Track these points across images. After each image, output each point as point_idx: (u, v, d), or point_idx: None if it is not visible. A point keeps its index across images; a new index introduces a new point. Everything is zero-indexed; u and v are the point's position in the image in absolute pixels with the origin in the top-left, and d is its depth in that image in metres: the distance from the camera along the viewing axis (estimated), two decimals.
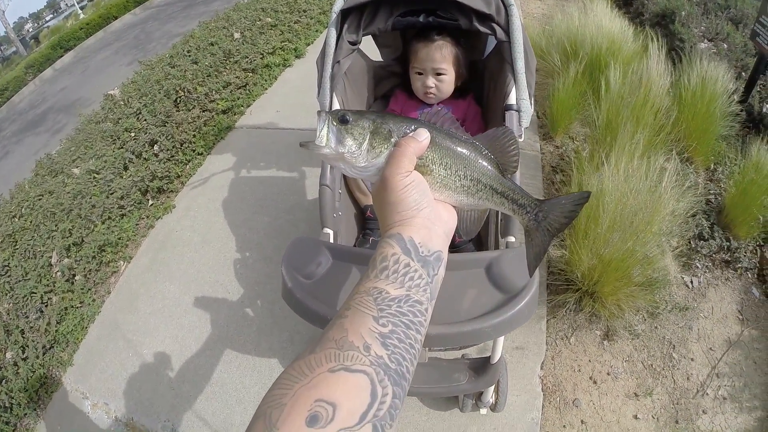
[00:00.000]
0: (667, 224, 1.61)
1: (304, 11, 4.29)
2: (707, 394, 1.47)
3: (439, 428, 1.46)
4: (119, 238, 2.40)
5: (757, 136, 2.06)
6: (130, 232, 2.45)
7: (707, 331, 1.62)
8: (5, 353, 2.03)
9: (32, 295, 2.18)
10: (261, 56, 3.62)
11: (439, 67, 1.40)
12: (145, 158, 2.81)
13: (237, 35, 3.88)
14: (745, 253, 1.76)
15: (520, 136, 1.25)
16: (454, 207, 0.56)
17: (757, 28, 2.13)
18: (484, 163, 0.54)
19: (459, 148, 0.54)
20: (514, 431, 1.43)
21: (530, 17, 3.72)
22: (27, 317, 2.12)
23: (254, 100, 3.35)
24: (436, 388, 1.22)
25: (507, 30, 1.25)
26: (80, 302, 2.17)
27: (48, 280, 2.24)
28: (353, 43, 1.36)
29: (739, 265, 1.74)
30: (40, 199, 2.71)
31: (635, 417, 1.45)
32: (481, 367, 1.22)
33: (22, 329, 2.08)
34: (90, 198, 2.54)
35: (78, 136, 3.31)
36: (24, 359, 1.98)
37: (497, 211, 1.26)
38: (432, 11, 1.31)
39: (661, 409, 1.46)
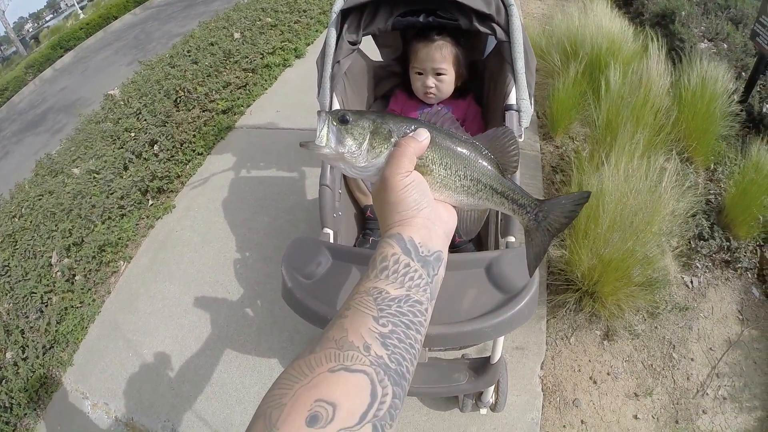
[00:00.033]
0: (667, 224, 1.61)
1: (304, 11, 4.29)
2: (707, 394, 1.47)
3: (439, 428, 1.46)
4: (119, 238, 2.40)
5: (757, 136, 2.06)
6: (130, 232, 2.45)
7: (707, 331, 1.62)
8: (5, 353, 2.03)
9: (32, 295, 2.18)
10: (261, 56, 3.62)
11: (439, 67, 1.40)
12: (145, 158, 2.81)
13: (237, 35, 3.88)
14: (745, 253, 1.76)
15: (520, 136, 1.25)
16: (454, 207, 0.56)
17: (757, 28, 2.13)
18: (484, 163, 0.54)
19: (459, 148, 0.54)
20: (514, 431, 1.43)
21: (530, 17, 3.72)
22: (27, 317, 2.12)
23: (254, 100, 3.35)
24: (436, 388, 1.22)
25: (507, 30, 1.25)
26: (80, 302, 2.17)
27: (48, 280, 2.24)
28: (353, 43, 1.36)
29: (739, 265, 1.74)
30: (40, 199, 2.71)
31: (635, 417, 1.45)
32: (481, 367, 1.22)
33: (22, 329, 2.08)
34: (90, 198, 2.54)
35: (78, 136, 3.31)
36: (24, 359, 1.98)
37: (497, 211, 1.26)
38: (432, 11, 1.31)
39: (661, 409, 1.46)
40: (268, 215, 2.33)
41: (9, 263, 2.35)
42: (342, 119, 0.52)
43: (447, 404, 1.50)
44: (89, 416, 1.77)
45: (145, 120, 3.04)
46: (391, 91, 1.64)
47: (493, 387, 1.33)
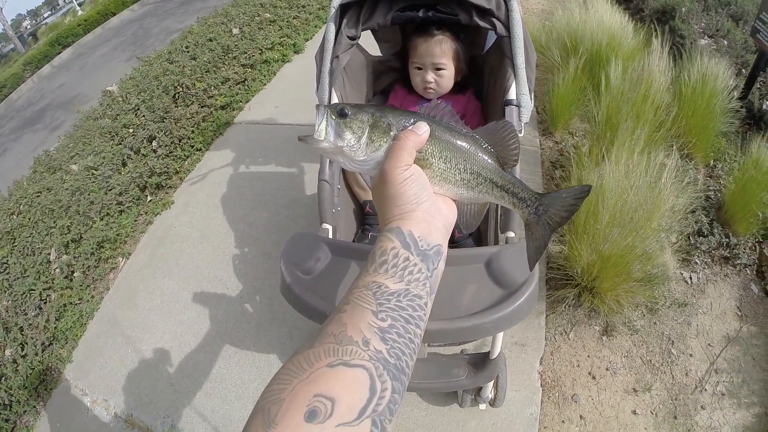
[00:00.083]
0: (667, 220, 1.61)
1: (303, 7, 4.27)
2: (706, 389, 1.48)
3: (438, 423, 1.46)
4: (118, 235, 2.39)
5: (757, 132, 2.05)
6: (129, 229, 2.45)
7: (706, 327, 1.62)
8: (4, 350, 2.03)
9: (31, 292, 2.18)
10: (260, 52, 3.61)
11: (439, 62, 1.39)
12: (143, 154, 2.80)
13: (236, 31, 3.87)
14: (744, 249, 1.76)
15: (520, 132, 1.24)
16: (453, 200, 0.56)
17: (758, 25, 2.12)
18: (484, 157, 0.54)
19: (459, 142, 0.53)
20: (513, 426, 1.43)
21: (530, 13, 3.70)
22: (26, 314, 2.12)
23: (253, 96, 3.34)
24: (436, 384, 1.22)
25: (507, 25, 1.24)
26: (79, 299, 2.17)
27: (47, 277, 2.24)
28: (352, 38, 1.35)
29: (738, 262, 1.74)
30: (38, 196, 2.71)
31: (634, 412, 1.45)
32: (481, 362, 1.22)
33: (21, 326, 2.08)
34: (88, 194, 2.54)
35: (76, 133, 3.31)
36: (23, 356, 1.98)
37: (497, 206, 1.26)
38: (431, 6, 1.31)
39: (660, 405, 1.46)
40: (266, 211, 2.32)
41: (8, 260, 2.35)
42: (341, 113, 0.52)
43: (446, 399, 1.50)
44: (89, 413, 1.77)
45: (144, 116, 3.03)
46: (391, 87, 1.63)
47: (492, 382, 1.33)
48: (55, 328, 2.05)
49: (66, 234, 2.37)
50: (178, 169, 2.77)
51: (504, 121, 0.55)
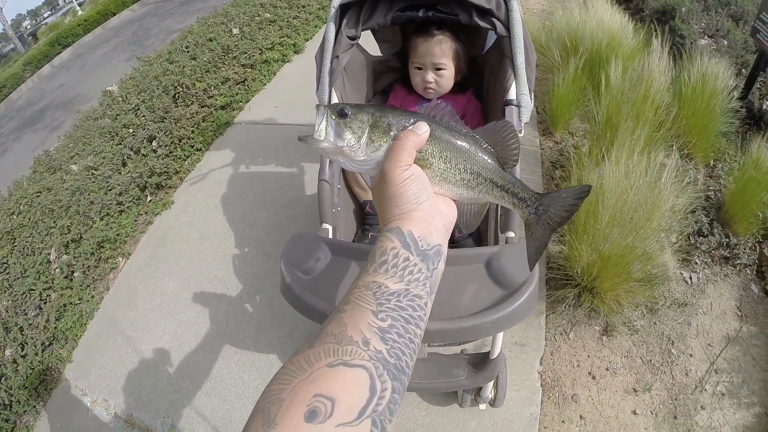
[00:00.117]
0: (667, 220, 1.61)
1: (303, 7, 4.27)
2: (706, 389, 1.48)
3: (438, 423, 1.46)
4: (118, 235, 2.39)
5: (757, 132, 2.05)
6: (129, 229, 2.45)
7: (706, 327, 1.62)
8: (4, 350, 2.03)
9: (31, 292, 2.18)
10: (260, 52, 3.61)
11: (439, 62, 1.39)
12: (143, 154, 2.80)
13: (236, 31, 3.87)
14: (744, 249, 1.76)
15: (520, 131, 1.24)
16: (453, 200, 0.56)
17: (758, 25, 2.12)
18: (484, 157, 0.54)
19: (459, 142, 0.53)
20: (513, 426, 1.43)
21: (530, 13, 3.70)
22: (26, 314, 2.12)
23: (253, 96, 3.34)
24: (436, 384, 1.22)
25: (507, 25, 1.24)
26: (79, 299, 2.17)
27: (47, 277, 2.24)
28: (352, 38, 1.35)
29: (738, 262, 1.74)
30: (38, 196, 2.71)
31: (634, 412, 1.45)
32: (481, 362, 1.22)
33: (21, 326, 2.08)
34: (88, 194, 2.54)
35: (76, 133, 3.31)
36: (23, 356, 1.98)
37: (497, 206, 1.26)
38: (431, 6, 1.31)
39: (660, 405, 1.46)
40: (266, 211, 2.32)
41: (8, 260, 2.35)
42: (341, 113, 0.52)
43: (446, 399, 1.50)
44: (89, 413, 1.77)
45: (144, 116, 3.03)
46: (391, 87, 1.63)
47: (492, 382, 1.33)
48: (55, 328, 2.05)
49: (66, 234, 2.37)
50: (178, 169, 2.77)
51: (504, 121, 0.55)
